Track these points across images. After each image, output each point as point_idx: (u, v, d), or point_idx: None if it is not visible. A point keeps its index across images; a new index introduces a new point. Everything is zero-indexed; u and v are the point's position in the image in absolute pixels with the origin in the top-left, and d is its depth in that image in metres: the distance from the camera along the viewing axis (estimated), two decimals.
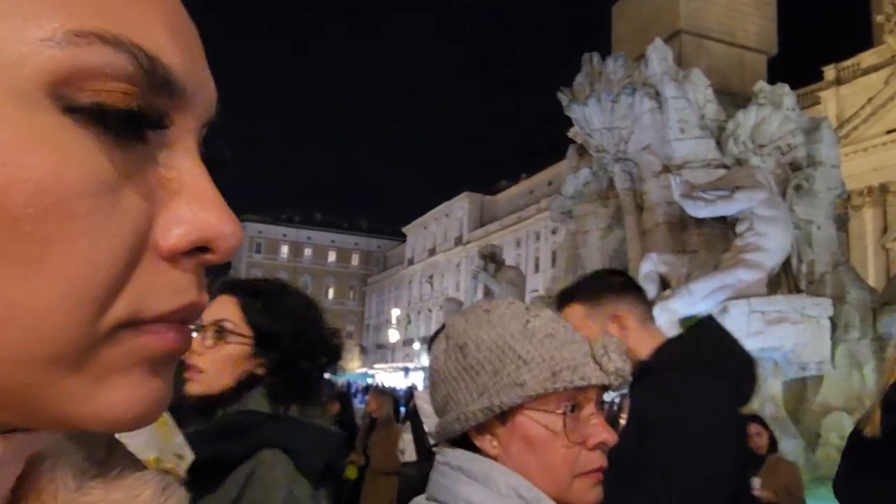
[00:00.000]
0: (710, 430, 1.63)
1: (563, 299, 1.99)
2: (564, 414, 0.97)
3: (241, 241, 0.36)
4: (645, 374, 1.74)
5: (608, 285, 1.99)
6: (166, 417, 1.37)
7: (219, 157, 0.38)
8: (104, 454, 0.38)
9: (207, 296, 0.36)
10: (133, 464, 0.39)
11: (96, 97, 0.30)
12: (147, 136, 0.33)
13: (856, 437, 3.36)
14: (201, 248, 0.34)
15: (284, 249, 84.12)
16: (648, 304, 2.02)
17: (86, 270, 0.30)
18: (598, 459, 0.99)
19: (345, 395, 8.48)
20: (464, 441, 1.02)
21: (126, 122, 0.31)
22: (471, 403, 0.99)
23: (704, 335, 1.94)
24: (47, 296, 0.30)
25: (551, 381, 0.96)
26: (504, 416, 0.98)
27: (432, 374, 1.07)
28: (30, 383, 0.30)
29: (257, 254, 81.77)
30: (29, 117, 0.29)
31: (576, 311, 1.92)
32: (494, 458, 0.99)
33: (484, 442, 1.00)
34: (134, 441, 1.25)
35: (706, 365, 1.76)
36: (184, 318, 0.35)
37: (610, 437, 0.99)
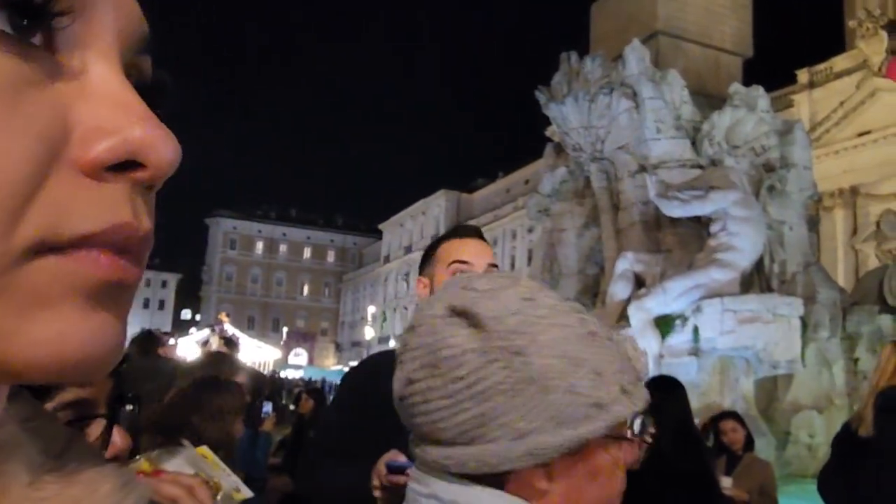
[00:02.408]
0: None
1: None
2: (631, 439, 0.80)
3: (177, 155, 0.33)
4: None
5: None
6: (208, 452, 1.33)
7: (158, 82, 0.35)
8: (62, 447, 0.35)
9: (149, 221, 0.33)
10: (93, 457, 0.36)
11: None
12: (56, 41, 0.30)
13: (845, 434, 3.41)
14: (129, 164, 0.31)
15: (259, 246, 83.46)
16: None
17: None
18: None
19: (319, 392, 8.43)
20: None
21: (12, 14, 0.28)
22: (541, 432, 0.72)
23: None
24: None
25: (629, 402, 0.76)
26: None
27: (443, 382, 0.74)
28: None
29: (231, 250, 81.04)
30: None
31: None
32: (542, 495, 0.75)
33: (535, 477, 0.74)
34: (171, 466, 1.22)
35: None
36: (118, 244, 0.31)
37: (632, 458, 0.90)
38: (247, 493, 1.35)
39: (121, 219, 0.31)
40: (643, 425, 0.80)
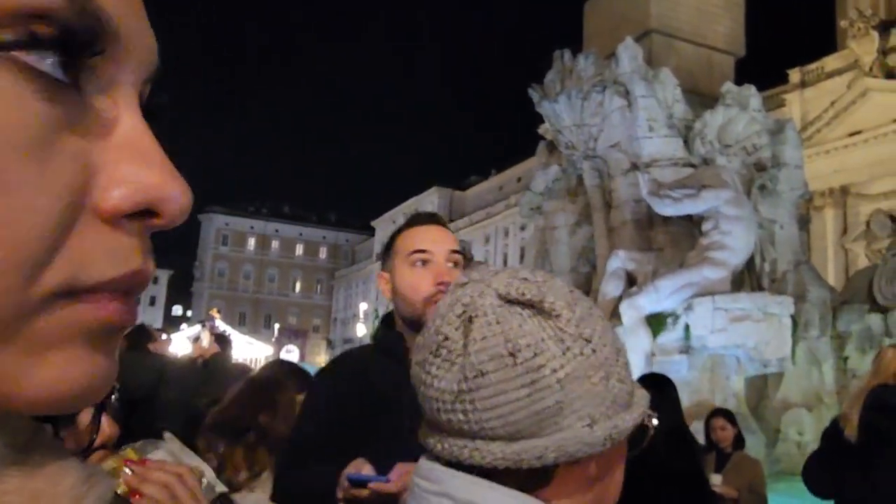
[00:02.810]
0: None
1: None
2: (649, 426, 0.83)
3: (190, 204, 0.34)
4: None
5: None
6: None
7: (156, 104, 0.35)
8: (26, 440, 0.34)
9: (153, 264, 0.34)
10: (56, 451, 0.36)
11: (24, 31, 0.27)
12: (81, 81, 0.30)
13: (833, 429, 3.45)
14: (145, 212, 0.32)
15: (251, 242, 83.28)
16: None
17: (17, 232, 0.28)
18: None
19: None
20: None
21: (57, 55, 0.28)
22: (612, 416, 0.75)
23: None
24: None
25: (644, 392, 0.82)
26: None
27: (522, 372, 0.72)
28: None
29: (224, 246, 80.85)
30: None
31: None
32: (592, 481, 0.77)
33: (588, 466, 0.76)
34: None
35: None
36: (127, 288, 0.32)
37: None
38: (221, 487, 1.35)
39: (135, 266, 0.32)
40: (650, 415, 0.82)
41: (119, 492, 1.06)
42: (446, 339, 0.76)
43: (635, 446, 0.80)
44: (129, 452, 1.13)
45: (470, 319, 0.75)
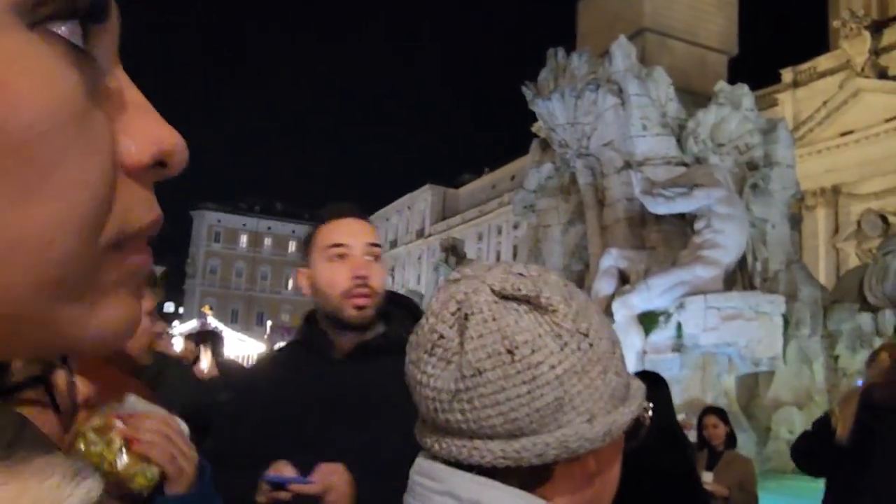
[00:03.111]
0: None
1: (360, 209, 1.86)
2: (645, 420, 0.83)
3: (188, 154, 0.38)
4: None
5: None
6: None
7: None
8: (11, 436, 0.36)
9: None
10: (43, 446, 0.37)
11: (64, 3, 0.30)
12: (95, 49, 0.32)
13: (826, 420, 3.48)
14: (157, 163, 0.35)
15: (244, 239, 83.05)
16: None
17: (82, 193, 0.31)
18: None
19: None
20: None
21: (79, 24, 0.31)
22: (610, 412, 0.74)
23: None
24: (52, 221, 0.30)
25: (640, 384, 0.82)
26: None
27: (522, 369, 0.71)
28: (38, 311, 0.31)
29: (216, 243, 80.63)
30: (5, 39, 0.29)
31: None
32: (592, 476, 0.76)
33: (587, 462, 0.75)
34: None
35: None
36: (150, 235, 0.36)
37: None
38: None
39: (157, 213, 0.36)
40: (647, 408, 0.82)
41: (117, 443, 1.11)
42: (441, 337, 0.75)
43: (632, 439, 0.79)
44: (108, 409, 1.17)
45: (465, 317, 0.74)
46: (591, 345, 0.73)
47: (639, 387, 0.81)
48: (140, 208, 0.34)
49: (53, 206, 0.30)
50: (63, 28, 0.30)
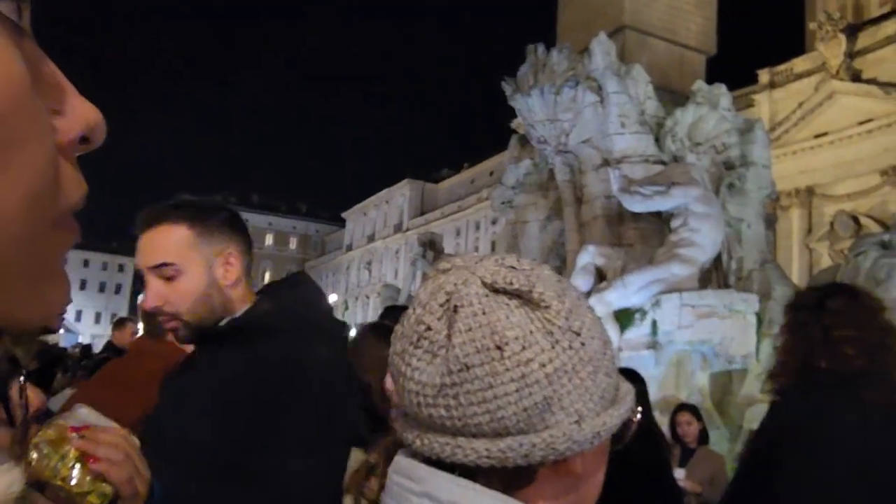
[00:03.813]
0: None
1: (161, 213, 1.62)
2: (635, 420, 0.82)
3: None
4: (233, 332, 1.63)
5: (219, 214, 1.72)
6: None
7: None
8: None
9: None
10: None
11: None
12: (23, 26, 0.31)
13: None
14: (81, 139, 0.35)
15: None
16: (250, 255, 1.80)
17: (34, 173, 0.31)
18: None
19: None
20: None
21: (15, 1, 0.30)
22: (599, 413, 0.72)
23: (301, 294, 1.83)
24: (11, 199, 0.30)
25: (629, 387, 0.80)
26: None
27: (511, 366, 0.69)
28: None
29: None
30: None
31: (179, 232, 1.59)
32: (577, 479, 0.74)
33: (574, 463, 0.72)
34: None
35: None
36: (78, 209, 0.36)
37: None
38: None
39: (84, 188, 0.36)
40: (636, 406, 0.81)
41: (72, 458, 1.05)
42: (428, 329, 0.72)
43: (617, 442, 0.78)
44: (59, 421, 1.11)
45: (454, 309, 0.71)
46: (582, 344, 0.71)
47: (628, 389, 0.79)
48: (72, 185, 0.34)
49: (13, 185, 0.30)
50: (5, 6, 0.30)
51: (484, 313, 0.70)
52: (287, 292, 1.81)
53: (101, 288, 75.22)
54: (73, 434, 1.08)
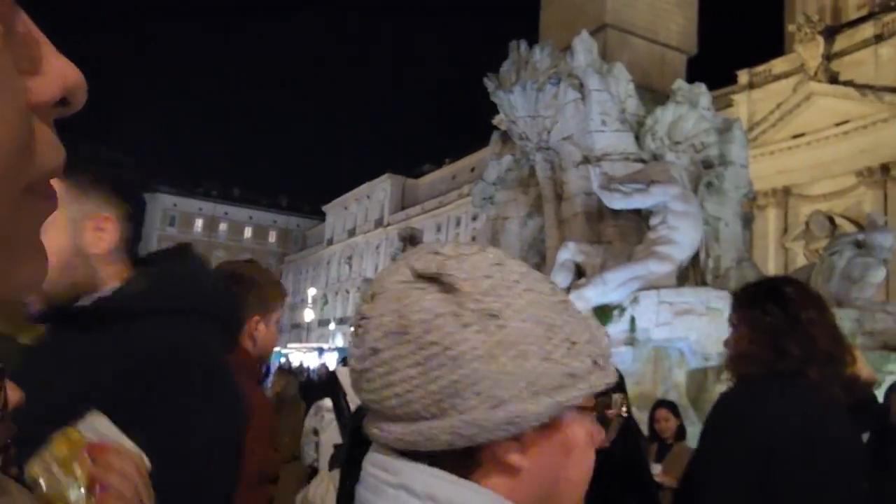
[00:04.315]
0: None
1: None
2: (597, 412, 0.77)
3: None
4: (106, 311, 1.37)
5: (101, 171, 1.46)
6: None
7: None
8: None
9: None
10: None
11: None
12: None
13: None
14: (60, 101, 0.34)
15: (199, 223, 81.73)
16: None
17: (5, 134, 0.29)
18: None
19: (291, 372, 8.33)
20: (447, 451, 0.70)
21: None
22: (518, 400, 0.67)
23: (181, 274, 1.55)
24: None
25: (601, 372, 0.73)
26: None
27: (414, 349, 0.68)
28: None
29: (171, 227, 79.12)
30: None
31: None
32: (517, 473, 0.70)
33: (509, 452, 0.69)
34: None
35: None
36: (56, 176, 0.34)
37: (603, 439, 0.80)
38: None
39: (62, 153, 0.34)
40: (621, 402, 0.78)
41: (80, 484, 0.93)
42: (363, 318, 0.73)
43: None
44: (73, 433, 0.99)
45: (373, 297, 0.73)
46: (500, 326, 0.68)
47: (596, 379, 0.73)
48: (49, 149, 0.32)
49: None
50: None
51: (398, 299, 0.70)
52: (166, 267, 1.53)
53: None
54: (87, 455, 0.96)
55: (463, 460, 0.69)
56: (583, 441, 0.74)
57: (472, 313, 0.68)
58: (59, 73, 0.33)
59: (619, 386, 3.39)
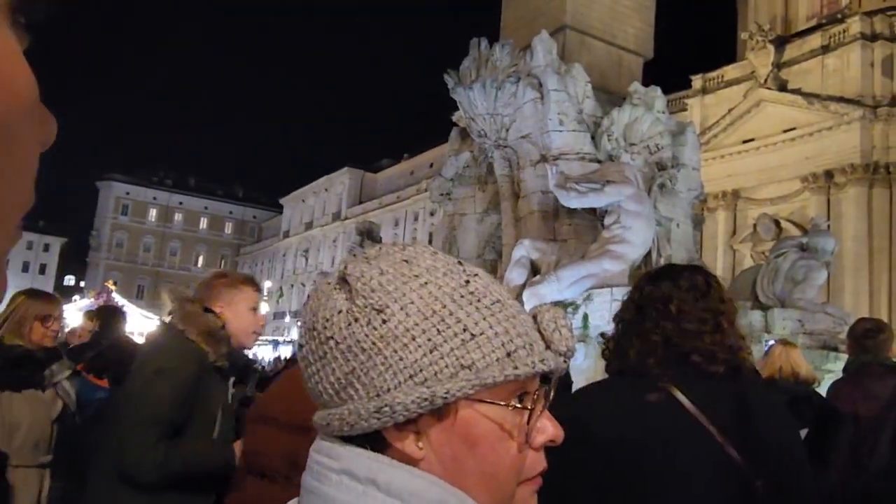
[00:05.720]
0: None
1: None
2: (517, 407, 0.75)
3: None
4: None
5: None
6: None
7: (34, 20, 0.35)
8: None
9: None
10: None
11: None
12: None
13: None
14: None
15: (153, 213, 79.98)
16: None
17: (26, 187, 0.32)
18: (542, 461, 0.79)
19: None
20: (362, 436, 0.73)
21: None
22: (397, 390, 0.70)
23: None
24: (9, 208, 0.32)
25: (509, 364, 0.72)
26: (441, 407, 0.72)
27: (318, 344, 0.74)
28: None
29: (123, 216, 77.32)
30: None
31: None
32: (416, 463, 0.72)
33: (405, 442, 0.72)
34: None
35: None
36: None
37: (558, 433, 0.79)
38: None
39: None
40: (546, 396, 0.76)
41: None
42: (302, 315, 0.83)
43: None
44: None
45: (307, 298, 0.81)
46: (384, 321, 0.71)
47: (488, 374, 0.71)
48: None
49: (11, 192, 0.31)
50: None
51: (318, 299, 0.77)
52: None
53: (25, 268, 72.08)
54: None
55: (378, 446, 0.73)
56: (491, 434, 0.73)
57: (359, 309, 0.73)
58: (48, 119, 0.34)
59: (568, 382, 3.45)
